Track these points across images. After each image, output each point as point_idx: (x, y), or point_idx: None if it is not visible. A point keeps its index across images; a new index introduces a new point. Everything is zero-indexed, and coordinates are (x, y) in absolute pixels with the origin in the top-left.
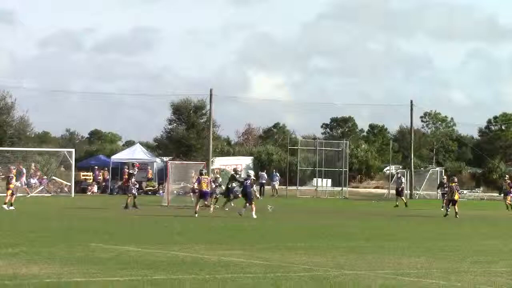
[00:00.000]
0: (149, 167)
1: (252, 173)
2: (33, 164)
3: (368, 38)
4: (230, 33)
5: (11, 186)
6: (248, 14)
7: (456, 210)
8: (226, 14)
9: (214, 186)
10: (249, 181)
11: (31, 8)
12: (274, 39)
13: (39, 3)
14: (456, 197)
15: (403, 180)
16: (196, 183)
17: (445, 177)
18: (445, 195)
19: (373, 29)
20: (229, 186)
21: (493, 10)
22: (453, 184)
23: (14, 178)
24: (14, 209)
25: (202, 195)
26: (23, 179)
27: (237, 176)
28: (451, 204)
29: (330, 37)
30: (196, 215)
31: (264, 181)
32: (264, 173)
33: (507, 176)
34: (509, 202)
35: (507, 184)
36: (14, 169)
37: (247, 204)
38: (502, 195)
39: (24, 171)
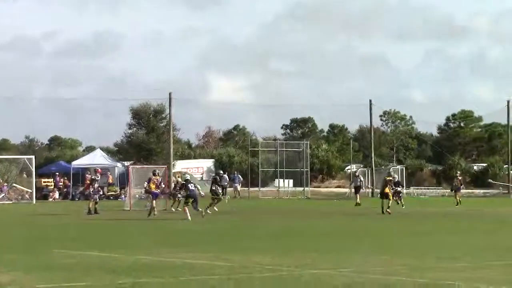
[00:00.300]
0: (109, 172)
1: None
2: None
3: (326, 39)
4: (189, 37)
5: None
6: (206, 18)
7: (389, 205)
8: (185, 18)
9: (176, 188)
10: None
11: None
12: (233, 42)
13: None
14: (387, 190)
15: (362, 178)
16: (145, 183)
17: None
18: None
19: (331, 30)
20: (213, 188)
21: (449, 10)
22: (387, 178)
23: None
24: None
25: (152, 195)
26: None
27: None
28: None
29: (288, 38)
30: (149, 216)
31: (226, 183)
32: (225, 175)
33: (458, 172)
34: (459, 197)
35: (458, 180)
36: None
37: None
38: (453, 191)
39: None
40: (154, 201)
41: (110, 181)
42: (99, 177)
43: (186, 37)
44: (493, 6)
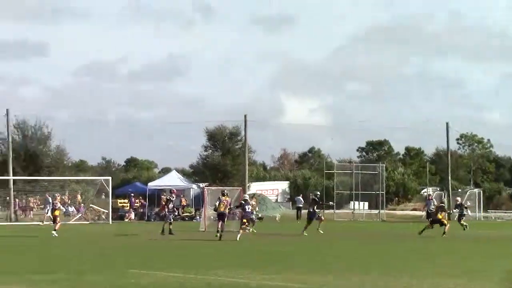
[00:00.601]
0: (181, 195)
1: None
2: (67, 193)
3: (401, 61)
4: (262, 60)
5: (56, 213)
6: (280, 41)
7: (445, 230)
8: (258, 41)
9: (248, 210)
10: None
11: (63, 40)
12: (307, 64)
13: (71, 35)
14: (440, 216)
15: (435, 202)
16: (216, 204)
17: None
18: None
19: (406, 52)
20: (311, 210)
21: None
22: (441, 204)
23: (59, 205)
24: (56, 236)
25: (219, 216)
26: (48, 208)
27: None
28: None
29: (362, 60)
30: (217, 237)
31: (300, 205)
32: (300, 197)
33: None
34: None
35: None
36: (58, 196)
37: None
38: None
39: (50, 200)
40: (220, 222)
41: (184, 203)
42: (174, 198)
43: (260, 60)
44: None
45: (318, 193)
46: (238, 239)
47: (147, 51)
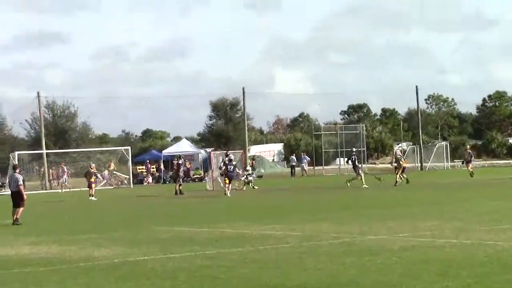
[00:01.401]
0: (186, 160)
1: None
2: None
3: (373, 33)
4: (253, 37)
5: (92, 179)
6: (267, 20)
7: (404, 177)
8: (247, 21)
9: (230, 170)
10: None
11: (81, 29)
12: (292, 39)
13: (88, 24)
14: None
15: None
16: (223, 167)
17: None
18: None
19: (376, 25)
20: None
21: (479, 3)
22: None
23: (94, 172)
24: (95, 199)
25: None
26: (64, 177)
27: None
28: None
29: (340, 35)
30: (226, 195)
31: (294, 164)
32: (293, 156)
33: (468, 146)
34: (470, 169)
35: (468, 153)
36: (93, 165)
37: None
38: (464, 163)
39: (65, 169)
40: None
41: (188, 166)
42: (182, 162)
43: (251, 37)
44: None
45: (354, 150)
46: (228, 194)
47: (151, 35)
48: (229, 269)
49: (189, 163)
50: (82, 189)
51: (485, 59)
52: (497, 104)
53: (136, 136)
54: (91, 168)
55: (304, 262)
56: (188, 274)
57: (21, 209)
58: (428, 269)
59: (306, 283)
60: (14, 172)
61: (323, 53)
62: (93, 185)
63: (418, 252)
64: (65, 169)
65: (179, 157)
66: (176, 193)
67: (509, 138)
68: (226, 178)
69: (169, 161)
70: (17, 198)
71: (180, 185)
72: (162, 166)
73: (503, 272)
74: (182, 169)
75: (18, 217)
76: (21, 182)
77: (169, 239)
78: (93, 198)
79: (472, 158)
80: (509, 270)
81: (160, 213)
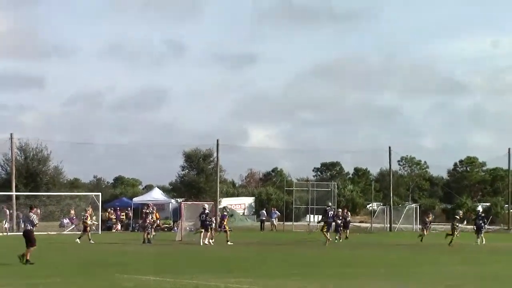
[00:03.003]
0: (154, 209)
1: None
2: (73, 207)
3: (345, 93)
4: (227, 91)
5: (87, 223)
6: (241, 75)
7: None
8: (222, 75)
9: (203, 219)
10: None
11: (56, 74)
12: (265, 95)
13: (62, 70)
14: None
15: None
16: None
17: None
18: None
19: (349, 85)
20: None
21: (451, 68)
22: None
23: (89, 217)
24: (93, 243)
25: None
26: (5, 220)
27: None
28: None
29: (313, 93)
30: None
31: (264, 218)
32: (263, 211)
33: (431, 216)
34: (426, 232)
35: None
36: (88, 210)
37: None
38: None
39: (8, 212)
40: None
41: (156, 216)
42: (151, 210)
43: (225, 92)
44: (487, 66)
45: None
46: (201, 243)
47: (126, 84)
48: None
49: (156, 213)
50: (50, 233)
51: (458, 124)
52: (468, 169)
53: (107, 182)
54: (86, 213)
55: None
56: None
57: (32, 248)
58: None
59: None
60: (30, 211)
61: (295, 110)
62: (87, 229)
63: None
64: (7, 212)
65: (148, 206)
66: (144, 241)
67: (478, 204)
68: (202, 228)
69: (139, 209)
70: (29, 238)
71: (148, 233)
72: (131, 214)
73: None
74: (150, 217)
75: (28, 258)
76: (36, 222)
77: None
78: (78, 240)
79: (430, 225)
80: None
81: (126, 261)
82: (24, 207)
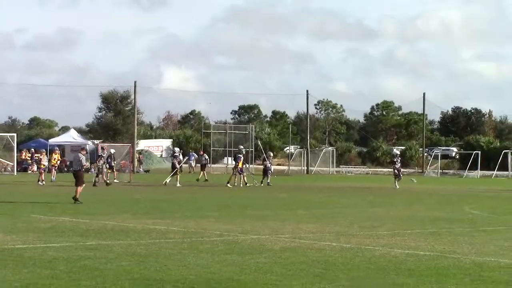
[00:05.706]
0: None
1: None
2: None
3: (259, 38)
4: (142, 34)
5: (42, 166)
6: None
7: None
8: (137, 18)
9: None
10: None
11: None
12: (180, 38)
13: None
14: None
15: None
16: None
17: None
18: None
19: (263, 30)
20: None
21: (361, 15)
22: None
23: (43, 159)
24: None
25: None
26: None
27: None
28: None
29: (226, 37)
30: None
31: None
32: (180, 153)
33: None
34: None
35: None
36: (43, 151)
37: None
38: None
39: None
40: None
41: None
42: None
43: (138, 35)
44: (400, 11)
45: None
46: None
47: (39, 24)
48: (109, 260)
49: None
50: None
51: (372, 70)
52: (384, 113)
53: (23, 123)
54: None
55: (185, 258)
56: (68, 264)
57: (80, 187)
58: (307, 270)
59: (185, 278)
60: (79, 152)
61: (209, 54)
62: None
63: (298, 253)
64: None
65: (103, 148)
66: (103, 182)
67: (393, 147)
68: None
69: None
70: (78, 177)
71: (103, 175)
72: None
73: (378, 276)
74: (103, 160)
75: (77, 196)
76: (84, 163)
77: (49, 229)
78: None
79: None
80: (384, 274)
81: (42, 202)
82: None
